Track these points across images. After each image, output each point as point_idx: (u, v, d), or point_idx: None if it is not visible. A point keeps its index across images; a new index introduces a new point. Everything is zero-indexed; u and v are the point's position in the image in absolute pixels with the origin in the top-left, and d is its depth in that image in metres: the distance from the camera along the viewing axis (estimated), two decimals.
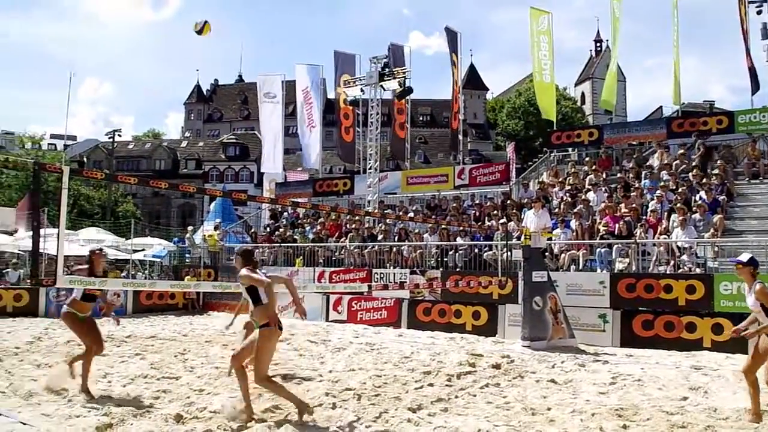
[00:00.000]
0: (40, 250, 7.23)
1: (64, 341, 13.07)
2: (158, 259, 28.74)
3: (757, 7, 24.91)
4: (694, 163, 19.39)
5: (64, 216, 6.90)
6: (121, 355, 11.85)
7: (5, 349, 12.14)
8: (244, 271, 7.12)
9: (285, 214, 26.65)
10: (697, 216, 16.04)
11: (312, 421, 7.16)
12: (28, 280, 19.49)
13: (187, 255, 26.06)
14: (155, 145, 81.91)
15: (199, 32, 13.66)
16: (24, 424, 6.71)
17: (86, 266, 8.58)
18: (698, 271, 14.75)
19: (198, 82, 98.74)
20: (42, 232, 9.24)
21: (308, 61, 33.08)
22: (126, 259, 29.29)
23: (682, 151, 20.70)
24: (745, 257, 7.50)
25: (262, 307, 7.02)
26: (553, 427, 7.19)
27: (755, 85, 24.76)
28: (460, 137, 32.85)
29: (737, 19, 24.72)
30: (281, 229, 23.95)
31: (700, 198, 17.05)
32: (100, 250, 8.96)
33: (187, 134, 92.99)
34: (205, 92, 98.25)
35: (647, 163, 20.89)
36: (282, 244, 22.47)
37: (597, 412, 7.82)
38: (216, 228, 25.21)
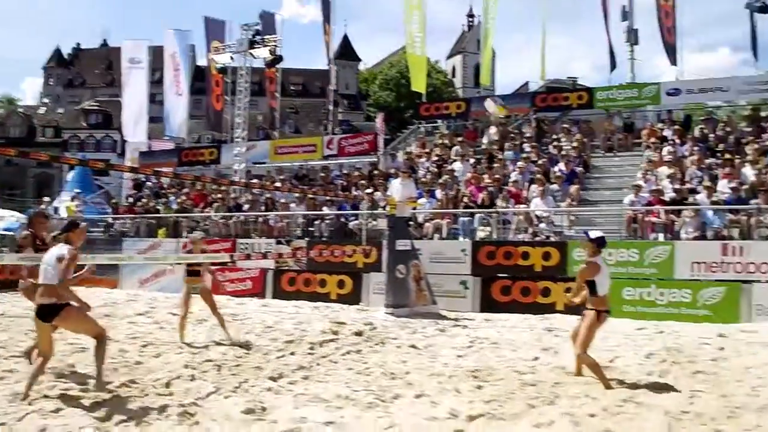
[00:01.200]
0: None
1: None
2: (11, 233, 27.15)
3: None
4: (527, 136, 20.59)
5: None
6: None
7: None
8: None
9: (148, 184, 25.76)
10: (555, 186, 16.71)
11: (168, 393, 6.99)
12: None
13: None
14: (8, 111, 77.07)
15: None
16: None
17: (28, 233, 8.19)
18: (554, 239, 15.37)
19: (58, 45, 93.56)
20: None
21: (177, 27, 31.97)
22: None
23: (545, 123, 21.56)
24: (593, 234, 7.82)
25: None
26: (411, 390, 7.32)
27: (613, 64, 25.94)
28: (331, 107, 32.75)
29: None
30: (144, 200, 23.13)
31: (559, 169, 17.76)
32: (43, 214, 8.34)
33: (45, 100, 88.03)
34: (66, 56, 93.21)
35: (510, 135, 21.53)
36: (145, 215, 21.72)
37: (454, 374, 8.04)
38: (73, 199, 24.03)
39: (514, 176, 17.60)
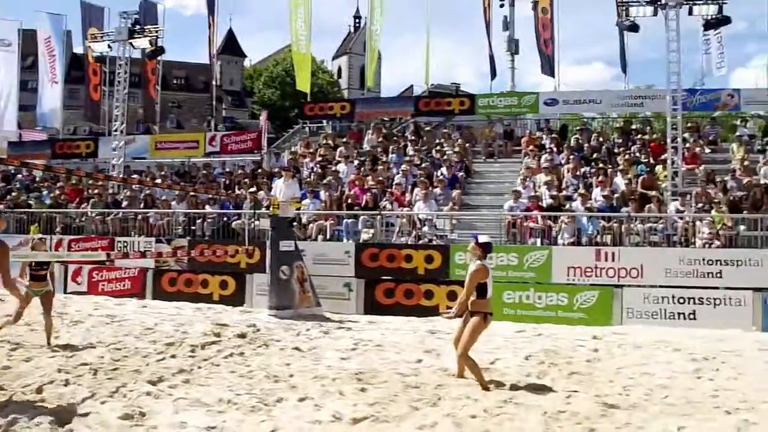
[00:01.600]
0: None
1: None
2: None
3: (500, 0, 26.71)
4: (409, 140, 21.06)
5: None
6: None
7: None
8: None
9: (19, 176, 24.44)
10: (437, 190, 17.02)
11: (40, 400, 6.65)
12: None
13: None
14: None
15: None
16: None
17: None
18: (437, 242, 15.64)
19: None
20: None
21: (51, 10, 30.47)
22: None
23: (428, 128, 21.92)
24: (482, 239, 7.98)
25: None
26: (295, 393, 7.28)
27: (493, 72, 26.64)
28: (214, 103, 32.11)
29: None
30: (14, 193, 21.91)
31: (442, 174, 18.11)
32: None
33: None
34: None
35: (393, 138, 21.79)
36: (15, 210, 20.57)
37: (338, 376, 8.03)
38: None
39: (397, 179, 17.79)
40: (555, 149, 19.08)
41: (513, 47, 26.82)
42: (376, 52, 27.32)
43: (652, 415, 6.68)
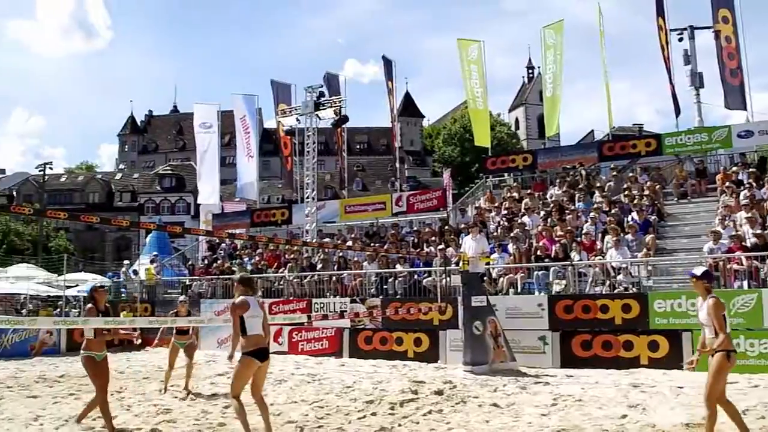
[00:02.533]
0: None
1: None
2: None
3: (678, 34, 25.76)
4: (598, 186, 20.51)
5: None
6: (54, 395, 11.47)
7: None
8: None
9: (223, 245, 26.34)
10: (629, 236, 16.43)
11: None
12: None
13: (123, 290, 25.43)
14: (88, 177, 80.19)
15: None
16: None
17: (92, 305, 8.55)
18: (633, 290, 15.05)
19: (132, 113, 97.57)
20: None
21: (244, 91, 32.94)
22: (59, 295, 28.48)
23: (614, 173, 21.32)
24: (698, 270, 7.41)
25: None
26: None
27: (677, 109, 25.57)
28: (398, 165, 33.06)
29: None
30: (219, 261, 23.62)
31: (632, 218, 17.48)
32: (102, 286, 9.02)
33: (121, 166, 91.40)
34: (139, 123, 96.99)
35: (579, 186, 21.33)
36: (220, 277, 22.15)
37: None
38: (152, 261, 24.72)
39: (586, 227, 17.37)
40: (754, 184, 17.87)
41: (697, 81, 25.58)
42: (556, 100, 27.02)
43: None
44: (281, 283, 20.44)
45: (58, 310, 27.11)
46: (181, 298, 14.05)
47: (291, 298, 19.38)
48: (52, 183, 70.88)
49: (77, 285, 29.54)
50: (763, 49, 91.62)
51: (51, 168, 57.89)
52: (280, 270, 21.25)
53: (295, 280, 20.12)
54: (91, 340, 8.35)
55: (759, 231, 15.02)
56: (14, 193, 72.11)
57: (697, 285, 7.25)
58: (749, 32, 42.45)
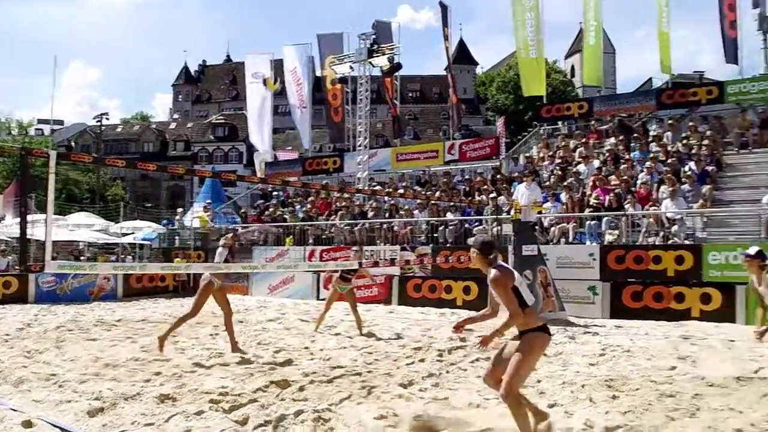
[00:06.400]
0: (28, 237, 7.19)
1: (54, 327, 13.01)
2: (148, 242, 28.66)
3: None
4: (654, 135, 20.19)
5: (52, 201, 6.86)
6: (111, 339, 11.81)
7: None
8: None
9: (275, 193, 26.60)
10: (686, 187, 16.09)
11: (302, 398, 7.16)
12: (17, 267, 19.41)
13: (177, 237, 25.96)
14: (143, 127, 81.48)
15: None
16: (14, 410, 6.69)
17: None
18: (687, 242, 14.78)
19: (186, 63, 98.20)
20: (30, 218, 9.20)
21: (295, 40, 32.94)
22: (115, 243, 29.22)
23: (671, 122, 20.79)
24: (753, 250, 7.38)
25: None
26: (544, 399, 7.19)
27: (734, 57, 24.57)
28: (453, 113, 32.69)
29: None
30: (271, 209, 23.87)
31: (690, 169, 17.09)
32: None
33: (175, 116, 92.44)
34: (193, 73, 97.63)
35: (634, 135, 20.88)
36: (272, 224, 22.41)
37: (587, 383, 7.84)
38: (205, 209, 25.10)
39: (641, 177, 17.04)
40: None
41: (765, 26, 24.61)
42: (598, 47, 26.25)
43: None
44: (332, 230, 20.57)
45: (115, 256, 27.83)
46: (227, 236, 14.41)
47: (342, 245, 19.51)
48: (108, 133, 72.27)
49: (133, 232, 30.26)
50: None
51: (107, 119, 59.05)
52: (331, 218, 21.39)
53: (346, 227, 20.24)
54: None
55: None
56: (72, 143, 73.75)
57: (751, 263, 7.13)
58: None
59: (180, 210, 30.47)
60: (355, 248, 13.61)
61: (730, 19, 23.60)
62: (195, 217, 25.30)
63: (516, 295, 5.69)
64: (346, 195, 21.37)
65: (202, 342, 11.40)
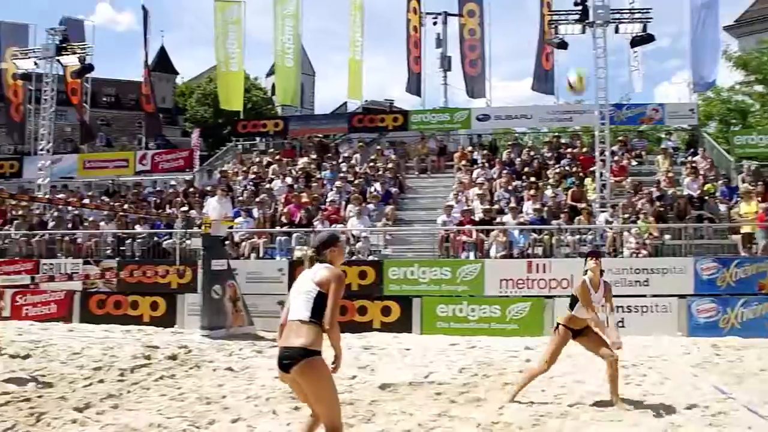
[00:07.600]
0: None
1: None
2: None
3: (433, 18, 26.59)
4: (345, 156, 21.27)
5: None
6: None
7: None
8: None
9: None
10: (371, 206, 17.04)
11: None
12: None
13: None
14: None
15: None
16: None
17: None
18: (371, 258, 15.62)
19: None
20: None
21: None
22: None
23: (360, 144, 22.01)
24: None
25: None
26: (228, 414, 7.14)
27: (416, 90, 26.24)
28: (145, 122, 31.52)
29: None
30: None
31: (375, 189, 18.15)
32: None
33: None
34: None
35: (328, 155, 21.79)
36: None
37: (272, 396, 7.92)
38: None
39: (331, 196, 17.76)
40: (487, 164, 19.34)
41: (446, 64, 27.04)
42: (295, 69, 26.87)
43: (584, 422, 6.75)
44: (6, 241, 18.68)
45: None
46: None
47: (17, 258, 17.75)
48: None
49: None
50: (509, 40, 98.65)
51: None
52: (6, 227, 19.42)
53: (22, 238, 18.47)
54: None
55: (487, 207, 16.31)
56: None
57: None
58: (497, 22, 45.05)
59: None
60: None
61: (415, 55, 25.39)
62: None
63: None
64: (22, 203, 19.50)
65: None
